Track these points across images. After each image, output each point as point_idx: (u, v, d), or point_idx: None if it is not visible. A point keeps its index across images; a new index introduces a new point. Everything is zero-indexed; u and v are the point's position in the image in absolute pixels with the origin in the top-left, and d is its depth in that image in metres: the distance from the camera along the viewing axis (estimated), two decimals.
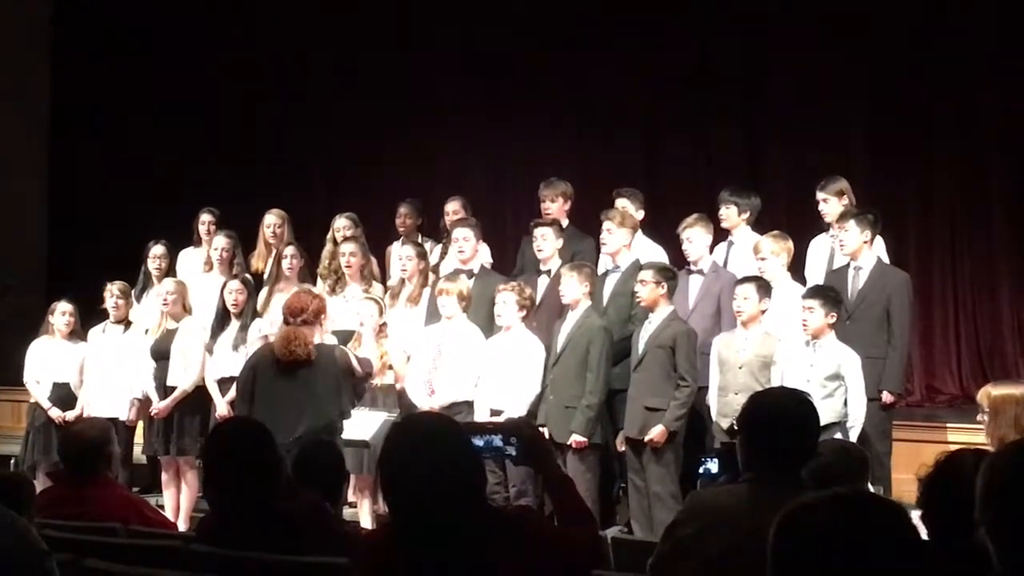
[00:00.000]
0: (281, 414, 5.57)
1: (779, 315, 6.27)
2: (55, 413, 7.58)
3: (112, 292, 7.70)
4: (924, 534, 3.28)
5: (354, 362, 6.16)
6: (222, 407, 7.12)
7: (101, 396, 7.55)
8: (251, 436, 3.65)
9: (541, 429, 5.71)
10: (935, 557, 2.74)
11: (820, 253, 7.11)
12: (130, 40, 11.14)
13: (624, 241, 6.89)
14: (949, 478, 2.88)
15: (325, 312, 6.13)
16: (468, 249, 7.24)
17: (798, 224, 7.57)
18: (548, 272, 7.03)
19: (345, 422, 6.04)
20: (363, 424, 6.28)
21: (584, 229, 7.55)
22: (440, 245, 8.09)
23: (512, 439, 2.90)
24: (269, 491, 3.54)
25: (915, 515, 3.13)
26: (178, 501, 7.25)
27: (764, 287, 6.18)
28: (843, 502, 1.89)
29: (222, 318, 7.36)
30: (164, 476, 7.35)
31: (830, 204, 6.97)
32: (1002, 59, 8.51)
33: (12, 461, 7.92)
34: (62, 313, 7.75)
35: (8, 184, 10.94)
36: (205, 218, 8.42)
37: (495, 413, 6.45)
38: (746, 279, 6.31)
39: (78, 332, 7.80)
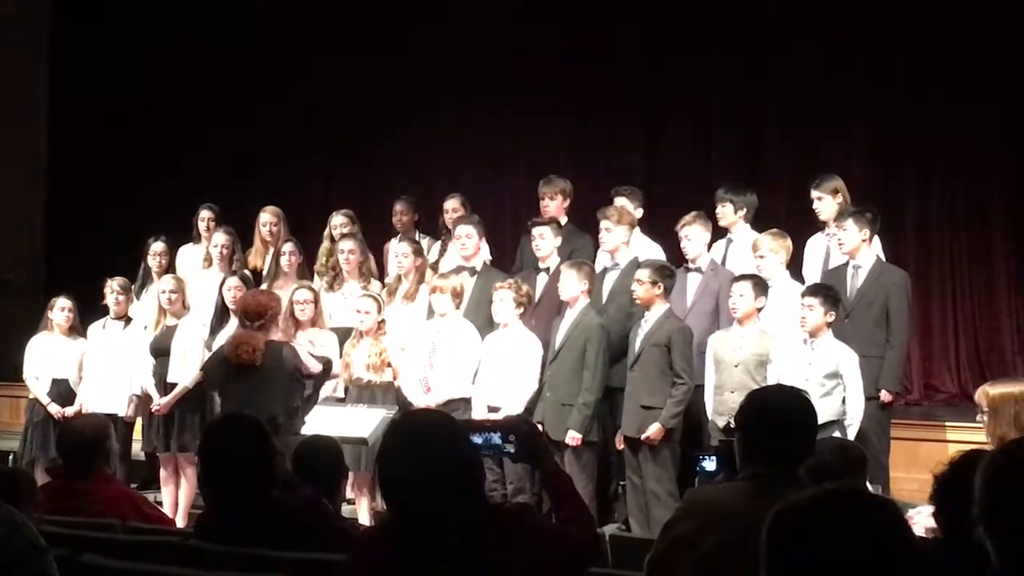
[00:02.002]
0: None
1: (778, 313, 6.27)
2: (54, 409, 7.58)
3: (113, 288, 7.71)
4: (924, 531, 3.28)
5: (306, 360, 6.40)
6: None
7: (100, 392, 7.55)
8: (247, 431, 3.64)
9: (538, 426, 5.71)
10: (945, 555, 2.75)
11: (816, 252, 7.10)
12: (130, 38, 11.14)
13: (623, 238, 6.89)
14: (964, 477, 2.86)
15: (277, 311, 6.47)
16: (470, 246, 7.25)
17: (798, 222, 7.57)
18: (547, 270, 7.04)
19: (320, 418, 6.24)
20: (361, 421, 6.29)
21: (583, 227, 7.55)
22: (439, 242, 8.09)
23: (510, 436, 2.90)
24: (265, 486, 3.54)
25: (927, 512, 3.14)
26: (176, 497, 7.25)
27: (760, 285, 6.18)
28: (834, 499, 1.89)
29: (221, 315, 7.37)
30: (163, 472, 7.35)
31: (824, 202, 6.96)
32: (1002, 60, 8.51)
33: (10, 457, 7.92)
34: (61, 309, 7.76)
35: (8, 180, 10.94)
36: (205, 214, 8.43)
37: (493, 410, 6.46)
38: (742, 277, 6.31)
39: (77, 328, 7.81)
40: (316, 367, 6.52)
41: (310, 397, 6.47)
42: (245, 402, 5.95)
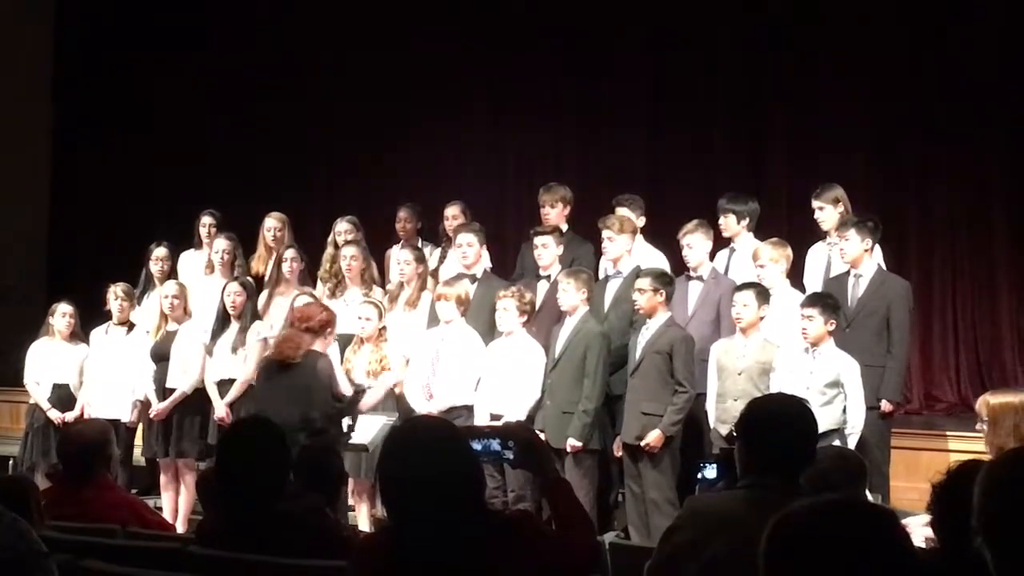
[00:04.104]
0: (266, 410, 5.73)
1: (778, 322, 6.27)
2: (54, 414, 7.58)
3: (116, 293, 7.71)
4: (921, 541, 3.28)
5: (339, 378, 6.38)
6: (221, 409, 7.13)
7: (103, 397, 7.56)
8: (269, 437, 3.62)
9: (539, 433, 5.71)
10: (943, 565, 2.74)
11: (818, 261, 7.09)
12: (131, 41, 11.17)
13: (626, 247, 6.90)
14: (961, 487, 2.86)
15: (332, 326, 6.32)
16: (471, 254, 7.25)
17: (800, 231, 7.56)
18: (548, 277, 7.04)
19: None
20: (362, 428, 6.28)
21: (584, 234, 7.55)
22: (439, 249, 8.10)
23: (509, 442, 2.90)
24: (278, 494, 3.52)
25: (924, 521, 3.13)
26: (176, 503, 7.25)
27: (763, 294, 6.18)
28: (833, 508, 1.89)
29: (222, 320, 7.37)
30: (163, 478, 7.36)
31: (826, 212, 6.95)
32: (1003, 67, 8.52)
33: (11, 462, 7.93)
34: (62, 314, 7.76)
35: (9, 185, 10.95)
36: (206, 220, 8.43)
37: (495, 418, 6.45)
38: (745, 286, 6.30)
39: (78, 333, 7.81)
40: (347, 389, 6.48)
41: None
42: (277, 401, 5.87)
